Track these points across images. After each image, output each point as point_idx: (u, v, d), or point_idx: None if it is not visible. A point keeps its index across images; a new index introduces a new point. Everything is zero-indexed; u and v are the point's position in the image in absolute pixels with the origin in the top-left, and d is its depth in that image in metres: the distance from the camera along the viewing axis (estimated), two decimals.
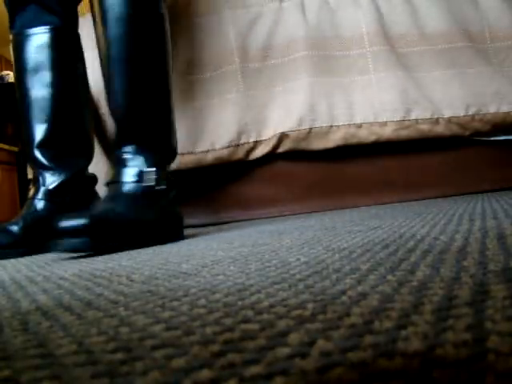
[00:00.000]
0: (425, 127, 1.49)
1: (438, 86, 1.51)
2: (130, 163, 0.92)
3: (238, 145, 1.46)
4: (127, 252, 0.80)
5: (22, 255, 0.97)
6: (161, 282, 0.41)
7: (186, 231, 1.28)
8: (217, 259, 0.53)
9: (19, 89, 1.08)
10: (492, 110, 1.50)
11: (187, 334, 0.23)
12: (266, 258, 0.49)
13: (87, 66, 1.52)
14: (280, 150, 1.48)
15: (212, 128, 1.44)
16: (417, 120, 1.48)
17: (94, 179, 1.15)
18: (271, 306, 0.27)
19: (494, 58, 1.56)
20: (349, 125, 1.47)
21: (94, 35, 1.52)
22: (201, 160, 1.44)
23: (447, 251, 0.40)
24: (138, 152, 0.92)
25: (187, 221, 1.53)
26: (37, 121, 1.07)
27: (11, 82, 5.06)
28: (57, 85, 1.08)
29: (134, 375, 0.19)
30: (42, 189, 1.06)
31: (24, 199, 4.59)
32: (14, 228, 1.00)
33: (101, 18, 0.93)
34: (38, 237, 1.02)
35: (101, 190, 1.39)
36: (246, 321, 0.25)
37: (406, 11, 1.58)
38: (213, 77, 1.49)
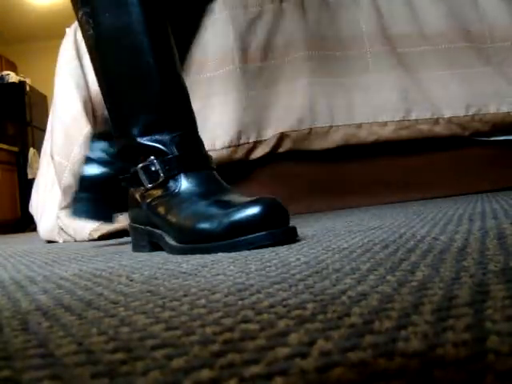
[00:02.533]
0: (425, 127, 1.49)
1: (438, 86, 1.51)
2: None
3: (238, 145, 1.46)
4: (127, 252, 0.79)
5: None
6: (161, 281, 0.41)
7: None
8: (217, 259, 0.53)
9: None
10: (492, 110, 1.49)
11: (187, 334, 0.23)
12: (266, 258, 0.49)
13: (88, 65, 1.52)
14: (280, 150, 1.48)
15: (212, 128, 1.44)
16: (417, 120, 1.48)
17: None
18: (271, 306, 0.27)
19: (494, 58, 1.56)
20: (349, 125, 1.47)
21: None
22: None
23: (447, 251, 0.40)
24: None
25: None
26: None
27: (11, 82, 5.06)
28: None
29: (134, 375, 0.19)
30: None
31: (24, 199, 4.59)
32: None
33: None
34: None
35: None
36: (246, 321, 0.25)
37: (406, 11, 1.58)
38: (213, 77, 1.49)
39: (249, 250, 0.60)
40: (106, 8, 0.76)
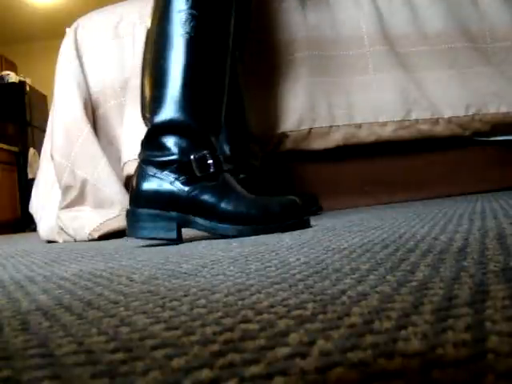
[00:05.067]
0: (425, 127, 1.49)
1: (438, 86, 1.51)
2: None
3: None
4: (127, 252, 0.80)
5: None
6: (161, 282, 0.41)
7: (186, 231, 1.28)
8: (217, 259, 0.53)
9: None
10: (492, 110, 1.49)
11: (187, 334, 0.23)
12: (266, 258, 0.49)
13: (88, 65, 1.52)
14: (280, 150, 1.48)
15: None
16: (417, 120, 1.48)
17: None
18: (271, 306, 0.27)
19: (494, 58, 1.56)
20: (349, 125, 1.47)
21: (94, 35, 1.53)
22: None
23: (447, 251, 0.40)
24: None
25: None
26: None
27: (11, 82, 5.06)
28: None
29: (134, 375, 0.19)
30: None
31: (24, 199, 4.59)
32: None
33: None
34: None
35: (103, 192, 1.39)
36: (246, 321, 0.25)
37: (406, 11, 1.58)
38: None
39: (292, 230, 0.82)
40: (214, 18, 0.88)
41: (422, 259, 0.38)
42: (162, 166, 0.85)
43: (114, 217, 1.33)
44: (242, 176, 1.13)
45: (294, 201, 0.87)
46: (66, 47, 1.53)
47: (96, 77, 1.50)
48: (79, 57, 1.51)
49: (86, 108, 1.45)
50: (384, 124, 1.48)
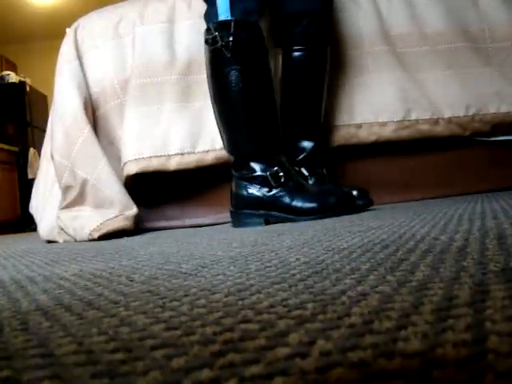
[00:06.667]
0: (425, 127, 1.48)
1: (438, 86, 1.51)
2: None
3: None
4: (127, 252, 0.80)
5: None
6: (161, 282, 0.41)
7: (187, 231, 1.28)
8: (217, 259, 0.53)
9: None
10: (492, 110, 1.49)
11: (187, 334, 0.23)
12: (266, 258, 0.49)
13: (88, 65, 1.52)
14: None
15: (212, 128, 1.44)
16: (417, 120, 1.48)
17: None
18: (271, 306, 0.27)
19: (494, 58, 1.56)
20: (349, 125, 1.47)
21: (94, 35, 1.53)
22: (201, 160, 1.44)
23: (447, 251, 0.40)
24: None
25: (187, 221, 1.53)
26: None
27: (11, 82, 5.06)
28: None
29: (134, 375, 0.19)
30: None
31: (24, 199, 4.59)
32: None
33: None
34: None
35: (104, 193, 1.39)
36: (246, 321, 0.25)
37: (406, 11, 1.58)
38: None
39: (342, 215, 1.11)
40: (254, 66, 1.16)
41: (422, 259, 0.38)
42: (250, 180, 1.19)
43: (114, 217, 1.33)
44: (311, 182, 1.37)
45: (347, 193, 1.16)
46: (66, 47, 1.53)
47: (96, 77, 1.50)
48: (79, 57, 1.51)
49: (86, 108, 1.45)
50: (384, 124, 1.48)
